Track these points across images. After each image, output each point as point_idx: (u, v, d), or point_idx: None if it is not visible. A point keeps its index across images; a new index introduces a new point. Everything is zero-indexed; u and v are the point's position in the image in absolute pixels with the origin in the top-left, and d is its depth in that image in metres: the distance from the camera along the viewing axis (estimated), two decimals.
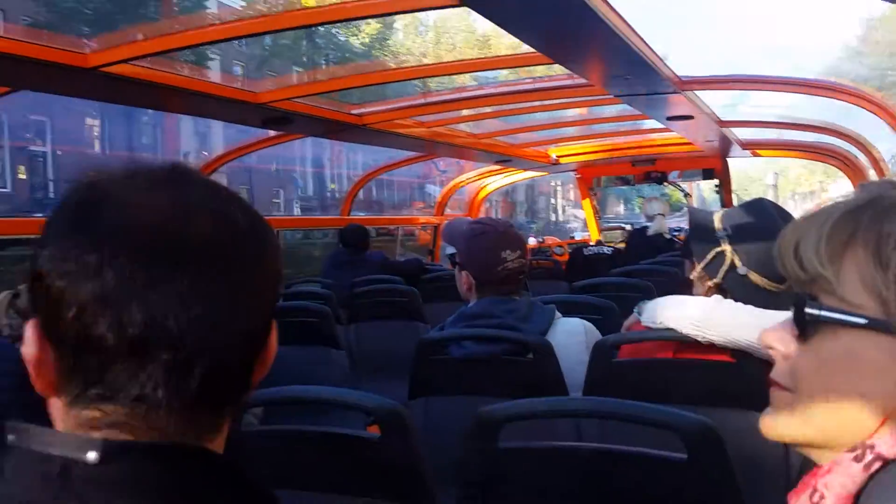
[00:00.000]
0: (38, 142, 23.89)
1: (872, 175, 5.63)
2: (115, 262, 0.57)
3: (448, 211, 7.94)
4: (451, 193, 7.79)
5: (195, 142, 28.43)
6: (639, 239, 5.89)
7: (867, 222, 0.63)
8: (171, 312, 0.58)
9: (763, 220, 1.88)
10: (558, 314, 2.18)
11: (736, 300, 1.78)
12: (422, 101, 4.24)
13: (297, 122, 3.81)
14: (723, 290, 1.84)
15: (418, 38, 26.62)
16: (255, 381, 0.67)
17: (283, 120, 3.67)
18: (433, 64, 3.47)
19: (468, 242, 2.18)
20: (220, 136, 28.47)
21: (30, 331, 0.61)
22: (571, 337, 2.10)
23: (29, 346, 0.61)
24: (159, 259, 0.58)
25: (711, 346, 1.77)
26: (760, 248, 1.81)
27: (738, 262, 1.82)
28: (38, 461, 0.57)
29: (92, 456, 0.56)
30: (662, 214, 5.84)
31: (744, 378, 1.76)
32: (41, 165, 24.20)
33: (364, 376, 3.75)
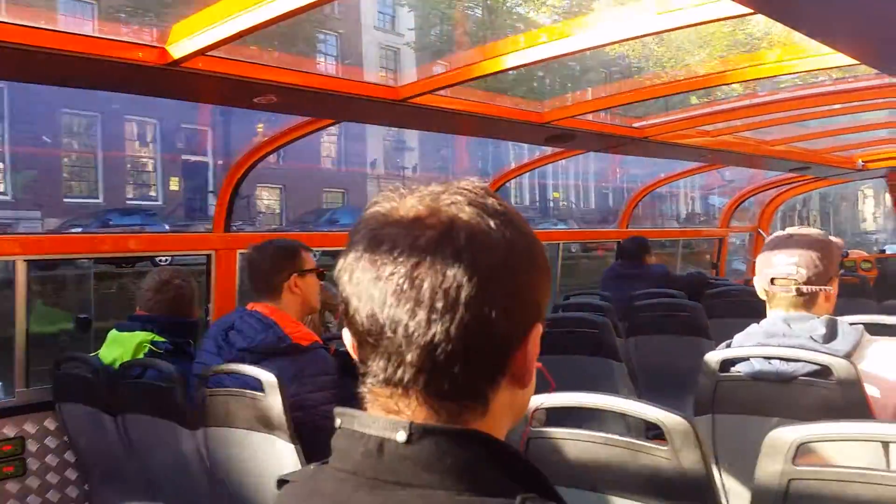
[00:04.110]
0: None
1: None
2: (359, 265, 0.70)
3: (734, 223, 7.52)
4: (737, 204, 7.38)
5: (381, 150, 29.85)
6: None
7: None
8: (384, 307, 0.68)
9: None
10: (868, 336, 2.01)
11: None
12: (707, 110, 4.11)
13: (579, 138, 3.92)
14: None
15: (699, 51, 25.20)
16: (508, 383, 0.73)
17: (564, 137, 3.80)
18: (717, 73, 3.35)
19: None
20: (415, 142, 29.45)
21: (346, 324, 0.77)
22: (883, 361, 1.92)
23: (346, 337, 0.76)
24: (385, 262, 0.68)
25: None
26: None
27: None
28: (359, 439, 0.71)
29: (401, 436, 0.68)
30: None
31: None
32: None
33: (644, 390, 3.73)
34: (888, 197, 7.22)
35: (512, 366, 0.73)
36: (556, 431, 1.59)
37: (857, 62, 2.71)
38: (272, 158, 3.87)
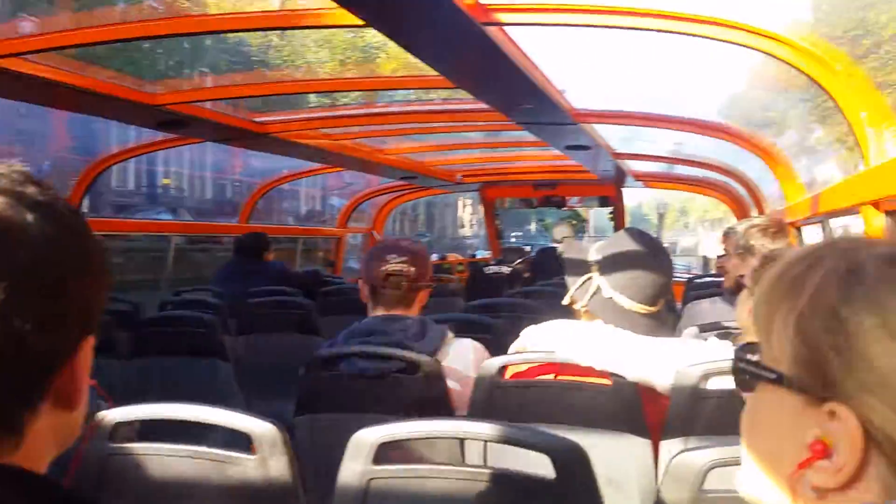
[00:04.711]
0: None
1: (755, 212, 5.99)
2: None
3: (352, 224, 7.91)
4: (354, 206, 7.76)
5: None
6: (547, 259, 6.03)
7: (795, 287, 0.63)
8: None
9: (630, 248, 2.01)
10: (450, 334, 2.21)
11: (606, 322, 1.88)
12: (328, 113, 4.22)
13: (194, 126, 3.72)
14: (591, 313, 1.95)
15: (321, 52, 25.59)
16: (51, 407, 0.62)
17: (178, 123, 3.57)
18: (338, 78, 3.50)
19: None
20: None
21: None
22: (461, 357, 2.14)
23: None
24: None
25: (592, 369, 1.85)
26: (626, 273, 1.93)
27: (603, 287, 1.94)
28: None
29: None
30: (571, 237, 6.06)
31: (620, 401, 1.85)
32: None
33: (252, 391, 3.67)
34: (482, 208, 8.24)
35: (56, 386, 0.61)
36: (140, 447, 1.45)
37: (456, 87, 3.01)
38: None
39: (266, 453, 1.28)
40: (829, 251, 0.64)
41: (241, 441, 1.46)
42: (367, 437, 1.28)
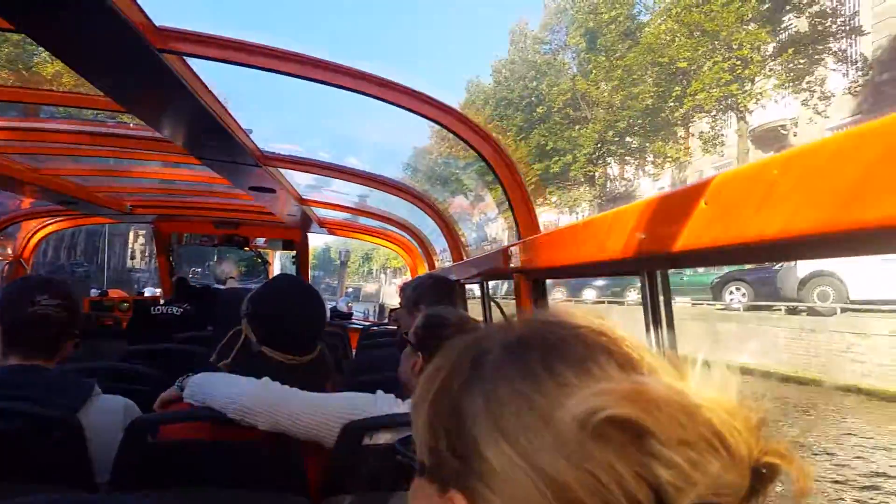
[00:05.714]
0: None
1: (427, 266, 6.40)
2: None
3: None
4: None
5: None
6: (221, 301, 5.71)
7: (434, 377, 0.62)
8: None
9: (279, 295, 1.96)
10: (97, 389, 1.98)
11: (257, 376, 1.80)
12: None
13: None
14: (235, 368, 1.86)
15: None
16: None
17: None
18: None
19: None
20: None
21: None
22: (107, 416, 1.92)
23: None
24: None
25: (252, 427, 1.75)
26: (272, 323, 1.88)
27: (251, 339, 1.87)
28: None
29: None
30: (233, 277, 5.82)
31: (280, 459, 1.78)
32: None
33: None
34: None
35: None
36: None
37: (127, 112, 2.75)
38: None
39: None
40: (467, 339, 0.64)
41: None
42: None
